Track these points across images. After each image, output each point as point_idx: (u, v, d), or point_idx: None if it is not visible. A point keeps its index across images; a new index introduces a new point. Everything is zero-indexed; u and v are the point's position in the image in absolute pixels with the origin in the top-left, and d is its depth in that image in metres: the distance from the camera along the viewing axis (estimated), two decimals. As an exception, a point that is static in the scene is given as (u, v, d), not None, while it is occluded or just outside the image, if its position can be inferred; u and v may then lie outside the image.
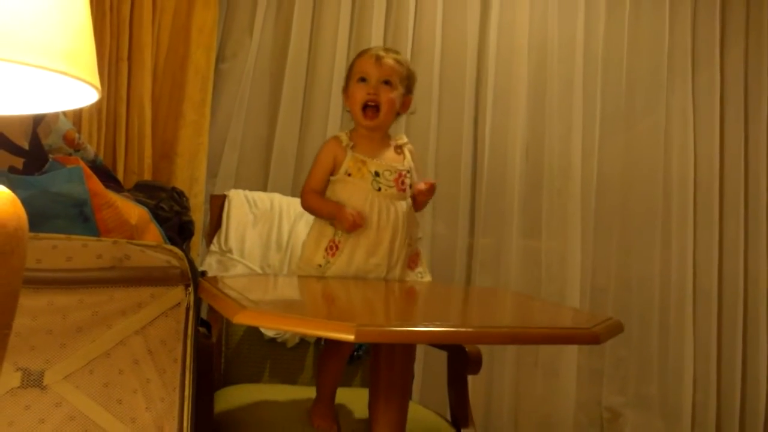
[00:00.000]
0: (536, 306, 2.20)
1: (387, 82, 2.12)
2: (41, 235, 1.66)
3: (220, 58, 3.07)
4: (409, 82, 2.19)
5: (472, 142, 3.36)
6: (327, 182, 2.13)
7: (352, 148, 2.13)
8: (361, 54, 2.20)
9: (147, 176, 2.76)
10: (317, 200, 2.13)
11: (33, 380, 1.60)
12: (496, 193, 3.35)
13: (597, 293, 3.47)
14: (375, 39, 3.18)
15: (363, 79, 2.13)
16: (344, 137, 2.14)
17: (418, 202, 2.17)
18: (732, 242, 3.59)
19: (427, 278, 2.20)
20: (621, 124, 3.53)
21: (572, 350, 3.37)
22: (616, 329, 1.54)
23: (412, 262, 2.15)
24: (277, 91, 3.15)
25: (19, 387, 1.59)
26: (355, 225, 2.04)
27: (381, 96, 2.11)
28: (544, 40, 3.43)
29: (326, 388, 2.08)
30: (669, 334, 3.50)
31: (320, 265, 2.07)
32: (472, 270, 3.32)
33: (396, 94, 2.13)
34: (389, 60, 2.14)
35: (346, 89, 2.20)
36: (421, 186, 2.15)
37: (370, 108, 2.12)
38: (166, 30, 2.85)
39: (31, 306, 1.61)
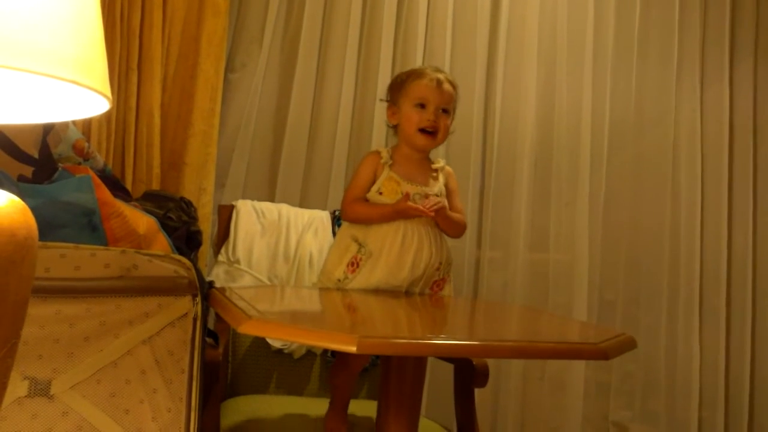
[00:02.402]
0: (544, 319, 2.19)
1: (445, 111, 2.14)
2: (50, 244, 1.66)
3: (229, 68, 3.07)
4: (455, 104, 2.21)
5: (480, 153, 3.35)
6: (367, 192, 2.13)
7: (391, 166, 2.13)
8: (418, 76, 2.17)
9: (155, 186, 2.76)
10: (365, 207, 2.11)
11: (40, 389, 1.60)
12: (504, 206, 3.34)
13: (605, 307, 3.46)
14: (385, 49, 3.18)
15: (422, 105, 2.13)
16: (385, 154, 2.15)
17: (441, 226, 2.16)
18: (741, 256, 3.58)
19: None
20: (629, 137, 3.52)
21: (579, 364, 3.36)
22: (627, 345, 1.53)
23: (436, 286, 2.14)
24: (285, 101, 3.15)
25: (26, 396, 1.59)
26: (415, 213, 2.04)
27: (440, 123, 2.13)
28: (554, 50, 3.42)
29: (339, 397, 2.08)
30: (676, 349, 3.49)
31: (339, 280, 2.07)
32: (479, 283, 3.31)
33: (450, 120, 2.16)
34: (448, 86, 2.16)
35: (392, 106, 2.20)
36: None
37: (428, 132, 2.13)
38: (175, 39, 2.85)
39: (39, 315, 1.61)
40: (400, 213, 2.05)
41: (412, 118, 2.13)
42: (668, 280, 3.51)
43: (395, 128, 2.21)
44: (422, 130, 2.13)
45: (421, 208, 2.03)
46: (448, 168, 2.25)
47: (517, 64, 3.38)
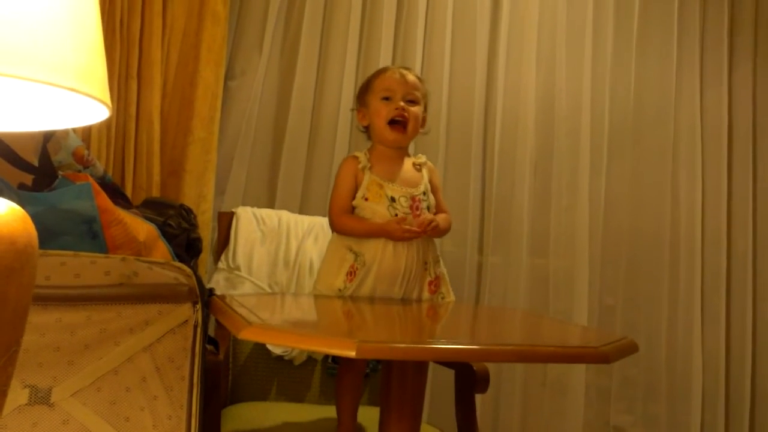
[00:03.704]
0: (545, 324, 2.19)
1: (411, 101, 2.13)
2: (50, 251, 1.66)
3: (228, 75, 3.08)
4: (426, 100, 2.20)
5: (481, 159, 3.35)
6: (352, 200, 2.11)
7: (370, 169, 2.11)
8: (381, 72, 2.19)
9: (155, 193, 2.76)
10: (353, 220, 2.10)
11: (40, 397, 1.60)
12: (505, 211, 3.34)
13: (605, 312, 3.46)
14: (384, 53, 3.18)
15: (387, 98, 2.12)
16: (363, 157, 2.13)
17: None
18: (741, 259, 3.58)
19: (449, 299, 2.18)
20: (629, 141, 3.52)
21: (580, 369, 3.36)
22: (628, 349, 1.52)
23: (433, 285, 2.14)
24: (285, 108, 3.15)
25: (26, 404, 1.59)
26: (406, 236, 2.04)
27: (409, 112, 2.11)
28: (553, 53, 3.43)
29: (346, 411, 2.06)
30: (677, 353, 3.48)
31: (340, 290, 2.06)
32: (481, 288, 3.31)
33: (420, 110, 2.14)
34: (412, 77, 2.15)
35: (361, 108, 2.20)
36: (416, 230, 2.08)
37: (398, 123, 2.12)
38: (175, 47, 2.86)
39: (40, 323, 1.61)
40: (389, 234, 2.05)
41: (381, 112, 2.12)
42: (668, 284, 3.51)
43: (367, 131, 2.20)
44: (392, 122, 2.11)
45: (415, 230, 2.04)
46: (430, 163, 2.24)
47: (516, 67, 3.39)
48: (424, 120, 2.19)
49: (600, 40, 3.49)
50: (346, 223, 2.10)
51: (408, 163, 2.19)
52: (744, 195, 3.60)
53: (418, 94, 2.15)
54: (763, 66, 3.67)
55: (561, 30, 3.43)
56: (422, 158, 2.22)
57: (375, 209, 2.08)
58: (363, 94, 2.21)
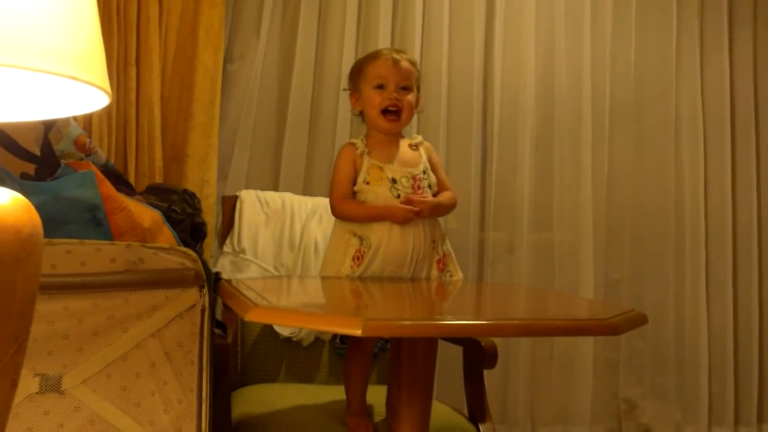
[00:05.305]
0: (551, 298, 2.19)
1: (405, 88, 2.12)
2: (55, 240, 1.66)
3: (227, 59, 3.07)
4: (419, 83, 2.19)
5: (481, 136, 3.35)
6: (353, 186, 2.11)
7: (368, 153, 2.11)
8: (373, 58, 2.17)
9: (158, 179, 2.77)
10: (355, 206, 2.10)
11: (51, 385, 1.61)
12: (507, 187, 3.34)
13: (611, 285, 3.46)
14: (383, 35, 3.18)
15: (381, 86, 2.11)
16: (360, 143, 2.13)
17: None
18: (746, 229, 3.57)
19: (457, 276, 2.19)
20: (631, 114, 3.51)
21: (588, 342, 3.36)
22: (637, 321, 1.52)
23: (441, 263, 2.14)
24: (285, 90, 3.15)
25: (37, 392, 1.60)
26: (409, 216, 2.04)
27: (402, 101, 2.11)
28: (552, 28, 3.41)
29: (355, 391, 2.07)
30: (684, 324, 3.49)
31: (348, 276, 2.07)
32: (484, 264, 3.31)
33: (413, 97, 2.14)
34: (406, 63, 2.13)
35: (354, 92, 2.19)
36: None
37: (391, 112, 2.11)
38: (173, 32, 2.85)
39: (47, 311, 1.62)
40: (392, 216, 2.04)
41: (374, 101, 2.12)
42: (674, 256, 3.50)
43: (361, 115, 2.20)
44: (385, 112, 2.11)
45: (415, 209, 2.03)
46: (426, 142, 2.24)
47: (515, 43, 3.38)
48: (417, 101, 2.19)
49: (599, 11, 3.47)
50: (347, 209, 2.11)
51: (404, 144, 2.19)
52: (747, 165, 3.59)
53: (411, 80, 2.14)
54: (763, 32, 3.64)
55: (559, 3, 3.41)
56: (418, 138, 2.22)
57: (377, 192, 2.08)
58: (355, 78, 2.20)
